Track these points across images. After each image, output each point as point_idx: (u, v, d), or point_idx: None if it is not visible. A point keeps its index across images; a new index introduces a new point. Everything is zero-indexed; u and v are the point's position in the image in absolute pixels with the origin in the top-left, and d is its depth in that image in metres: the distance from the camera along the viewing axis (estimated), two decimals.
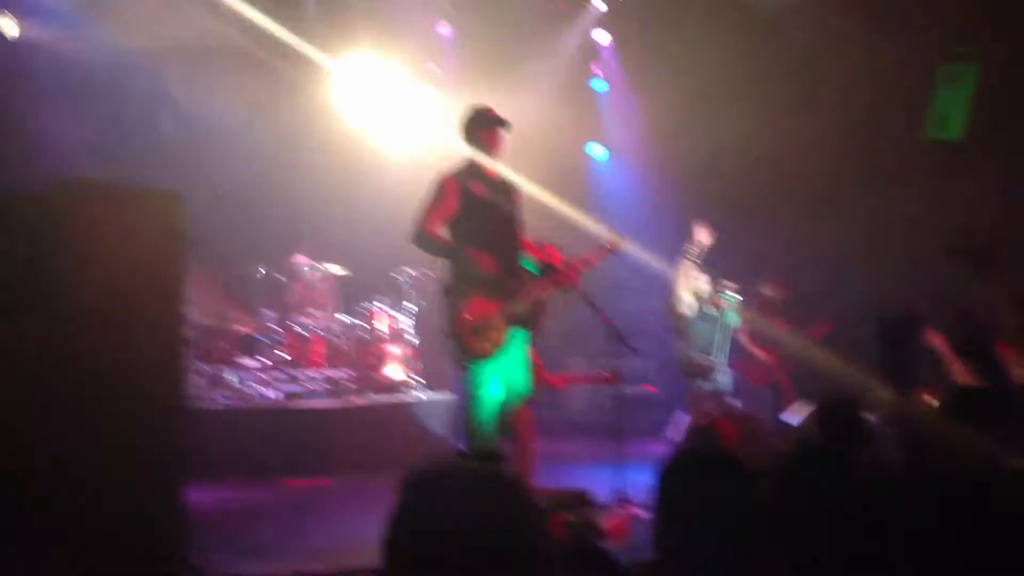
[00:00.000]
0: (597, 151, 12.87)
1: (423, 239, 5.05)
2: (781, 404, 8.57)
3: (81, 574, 3.95)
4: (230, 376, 8.79)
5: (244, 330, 9.05)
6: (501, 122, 5.21)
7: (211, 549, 5.00)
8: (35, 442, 4.11)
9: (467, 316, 4.94)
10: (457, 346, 4.96)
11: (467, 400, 5.01)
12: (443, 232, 5.07)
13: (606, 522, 5.12)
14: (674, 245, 8.16)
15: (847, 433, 3.75)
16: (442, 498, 1.59)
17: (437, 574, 1.52)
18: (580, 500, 5.24)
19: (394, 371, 9.12)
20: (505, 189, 5.26)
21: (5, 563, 3.83)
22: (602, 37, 12.29)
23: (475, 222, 5.06)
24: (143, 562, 4.29)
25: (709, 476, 2.31)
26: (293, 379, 8.92)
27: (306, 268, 9.54)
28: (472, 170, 5.19)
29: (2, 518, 3.99)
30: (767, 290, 8.92)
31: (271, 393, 8.77)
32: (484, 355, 4.92)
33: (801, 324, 9.06)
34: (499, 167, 5.28)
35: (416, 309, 9.72)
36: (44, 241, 4.27)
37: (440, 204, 5.07)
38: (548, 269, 5.26)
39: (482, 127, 5.20)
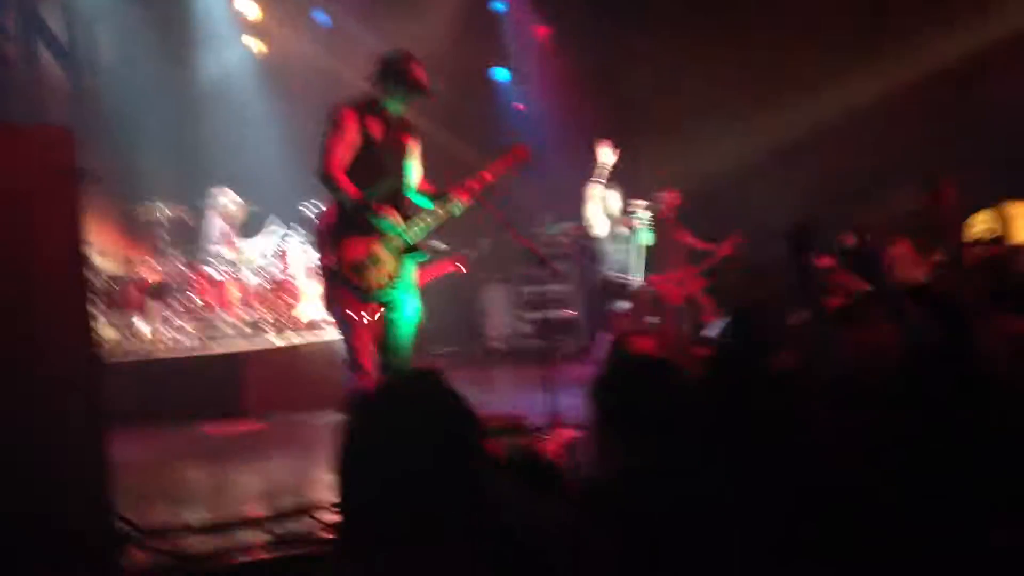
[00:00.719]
0: (501, 73, 12.72)
1: (329, 182, 4.88)
2: (700, 319, 8.71)
3: (8, 539, 3.80)
4: (141, 324, 8.52)
5: (153, 275, 8.75)
6: (425, 92, 5.01)
7: (142, 501, 4.87)
8: None
9: (350, 254, 4.86)
10: (349, 284, 4.86)
11: (386, 327, 4.96)
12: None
13: (543, 446, 5.15)
14: (582, 164, 8.13)
15: (759, 339, 3.79)
16: (388, 414, 1.58)
17: (391, 491, 1.51)
18: (516, 425, 5.26)
19: (311, 308, 8.96)
20: (402, 128, 5.11)
21: None
22: None
23: (367, 160, 4.92)
24: (72, 520, 4.13)
25: (640, 383, 2.31)
26: (208, 323, 8.69)
27: (229, 203, 9.18)
28: (372, 106, 5.02)
29: None
30: (660, 201, 8.92)
31: (186, 339, 8.54)
32: (377, 288, 4.84)
33: (711, 238, 9.15)
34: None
35: None
36: None
37: (341, 139, 4.89)
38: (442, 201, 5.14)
39: (406, 87, 4.99)
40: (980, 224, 9.47)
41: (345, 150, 4.87)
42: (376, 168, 4.92)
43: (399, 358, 5.00)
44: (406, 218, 4.98)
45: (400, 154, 5.08)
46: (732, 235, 9.07)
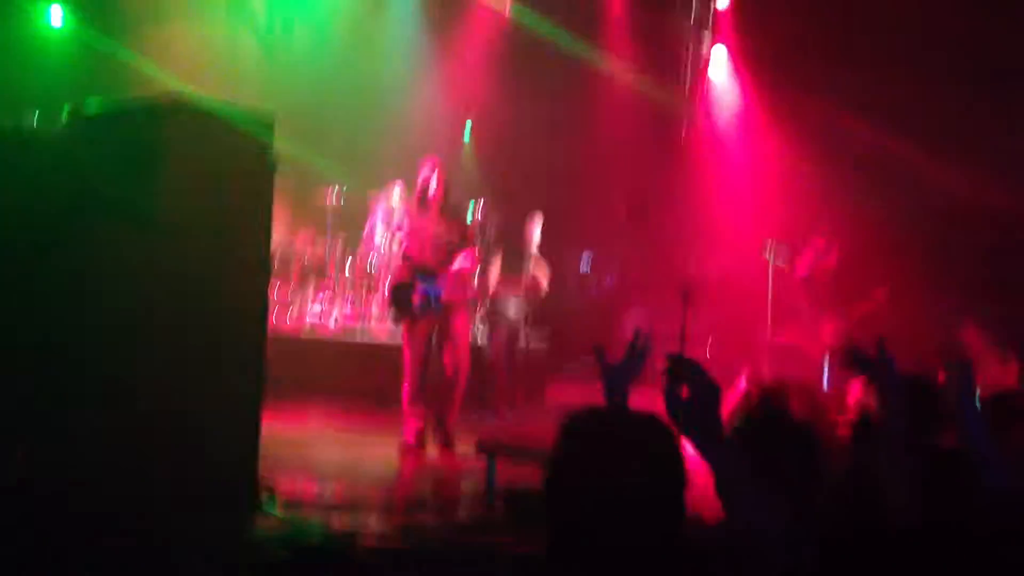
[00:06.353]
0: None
1: None
2: (837, 376, 8.45)
3: (167, 488, 4.02)
4: (296, 300, 8.85)
5: (313, 255, 9.05)
6: None
7: (282, 470, 5.02)
8: (134, 352, 4.11)
9: None
10: None
11: None
12: None
13: None
14: None
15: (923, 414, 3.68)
16: (602, 442, 1.64)
17: (595, 510, 1.58)
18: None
19: None
20: None
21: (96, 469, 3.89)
22: None
23: None
24: (219, 480, 4.27)
25: (789, 446, 2.32)
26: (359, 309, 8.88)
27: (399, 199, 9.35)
28: None
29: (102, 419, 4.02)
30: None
31: (334, 321, 8.80)
32: None
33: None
34: None
35: None
36: (149, 151, 4.18)
37: None
38: None
39: None
40: None
41: None
42: None
43: None
44: None
45: None
46: (881, 286, 8.66)
